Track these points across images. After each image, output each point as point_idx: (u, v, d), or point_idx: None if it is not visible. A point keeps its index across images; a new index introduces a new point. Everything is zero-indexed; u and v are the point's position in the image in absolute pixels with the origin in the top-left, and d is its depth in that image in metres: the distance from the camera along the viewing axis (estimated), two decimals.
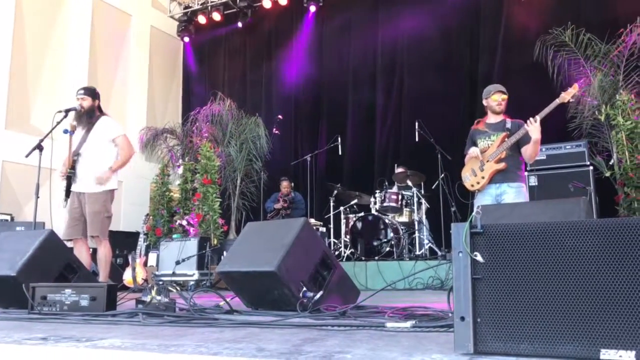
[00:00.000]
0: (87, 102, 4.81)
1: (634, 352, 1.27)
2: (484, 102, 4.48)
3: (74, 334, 2.04)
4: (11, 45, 8.17)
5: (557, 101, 4.15)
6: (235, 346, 1.68)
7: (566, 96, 4.17)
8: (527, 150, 4.19)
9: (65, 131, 4.51)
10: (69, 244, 4.74)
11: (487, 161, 4.29)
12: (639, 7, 6.69)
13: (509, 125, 4.33)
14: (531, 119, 4.06)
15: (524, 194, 4.31)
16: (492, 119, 4.44)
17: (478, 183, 4.34)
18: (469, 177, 4.42)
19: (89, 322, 2.53)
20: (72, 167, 4.72)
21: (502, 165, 4.23)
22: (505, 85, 4.48)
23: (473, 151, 4.37)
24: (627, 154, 6.20)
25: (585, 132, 6.74)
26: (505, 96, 4.38)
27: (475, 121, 4.63)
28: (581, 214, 2.64)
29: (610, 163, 6.49)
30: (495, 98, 4.36)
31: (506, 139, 4.25)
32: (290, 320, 2.40)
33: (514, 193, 4.22)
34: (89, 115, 4.82)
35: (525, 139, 4.18)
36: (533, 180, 6.40)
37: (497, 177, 4.27)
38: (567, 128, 6.82)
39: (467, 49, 8.62)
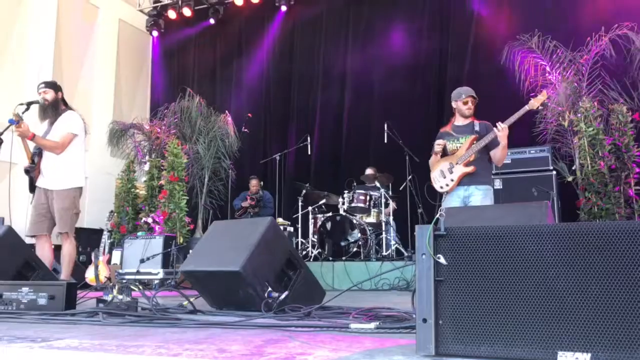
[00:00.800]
0: (50, 95, 4.70)
1: (589, 355, 1.30)
2: (453, 104, 4.51)
3: (29, 334, 1.98)
4: None
5: (527, 107, 4.20)
6: (196, 347, 1.65)
7: (535, 103, 4.21)
8: (496, 154, 4.26)
9: (11, 121, 4.36)
10: (31, 240, 4.62)
11: (457, 164, 4.33)
12: (604, 17, 6.89)
13: (477, 127, 4.37)
14: (500, 124, 4.11)
15: (491, 196, 4.38)
16: (460, 121, 4.48)
17: (447, 185, 4.38)
18: (438, 179, 4.46)
19: (47, 322, 2.46)
20: (32, 161, 4.61)
21: (470, 168, 4.28)
22: (474, 89, 4.53)
23: (439, 143, 4.38)
24: (588, 159, 6.36)
25: (549, 138, 6.89)
26: (476, 100, 4.43)
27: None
28: (543, 217, 2.69)
29: (573, 168, 6.65)
30: (465, 101, 4.41)
31: (475, 142, 4.29)
32: (254, 321, 2.38)
33: (481, 195, 4.28)
34: (54, 108, 4.71)
35: (494, 142, 4.23)
36: (498, 184, 6.51)
37: (466, 180, 4.32)
38: (532, 133, 6.96)
39: (436, 52, 8.72)
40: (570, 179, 6.59)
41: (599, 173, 6.27)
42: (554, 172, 6.43)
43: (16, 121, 4.35)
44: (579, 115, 6.51)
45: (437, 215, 1.54)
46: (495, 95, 7.11)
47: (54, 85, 4.79)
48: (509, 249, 1.44)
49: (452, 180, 4.35)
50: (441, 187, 4.45)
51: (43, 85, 4.76)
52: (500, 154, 4.23)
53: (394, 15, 9.08)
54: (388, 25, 9.10)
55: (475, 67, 8.12)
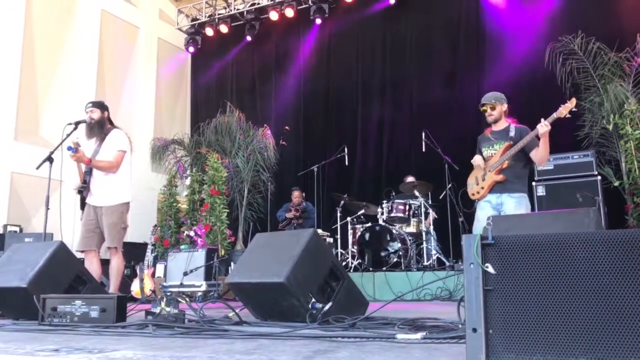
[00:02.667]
0: (97, 114, 4.87)
1: None
2: None
3: (85, 345, 2.05)
4: (21, 57, 8.26)
5: (555, 115, 4.02)
6: (247, 358, 1.68)
7: (563, 111, 4.01)
8: (537, 154, 4.12)
9: (69, 148, 4.55)
10: (81, 255, 4.78)
11: (489, 171, 4.28)
12: None
13: (512, 133, 4.26)
14: (544, 122, 3.97)
15: (526, 204, 4.23)
16: (497, 126, 4.41)
17: (478, 193, 4.34)
18: (472, 185, 4.41)
19: (100, 334, 2.54)
20: (84, 181, 4.80)
21: (500, 177, 4.21)
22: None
23: (475, 160, 4.38)
24: (635, 163, 6.17)
25: (593, 142, 6.72)
26: (488, 107, 4.35)
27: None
28: (591, 224, 2.62)
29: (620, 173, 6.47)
30: (484, 109, 4.39)
31: (509, 149, 4.21)
32: (301, 331, 2.39)
33: (514, 203, 4.18)
34: (100, 126, 4.88)
35: (532, 144, 4.13)
36: (541, 190, 6.37)
37: (498, 187, 4.25)
38: (575, 137, 6.79)
39: (475, 58, 8.62)
40: (617, 183, 6.40)
41: None
42: (599, 177, 6.24)
43: (74, 148, 4.54)
44: (625, 118, 6.33)
45: (484, 225, 1.53)
46: (537, 98, 7.00)
47: (100, 105, 4.97)
48: (560, 257, 1.43)
49: (482, 188, 4.31)
50: (473, 195, 4.41)
51: (90, 105, 4.95)
52: (542, 153, 4.06)
53: (430, 23, 9.05)
54: (424, 33, 9.07)
55: (515, 70, 7.97)
